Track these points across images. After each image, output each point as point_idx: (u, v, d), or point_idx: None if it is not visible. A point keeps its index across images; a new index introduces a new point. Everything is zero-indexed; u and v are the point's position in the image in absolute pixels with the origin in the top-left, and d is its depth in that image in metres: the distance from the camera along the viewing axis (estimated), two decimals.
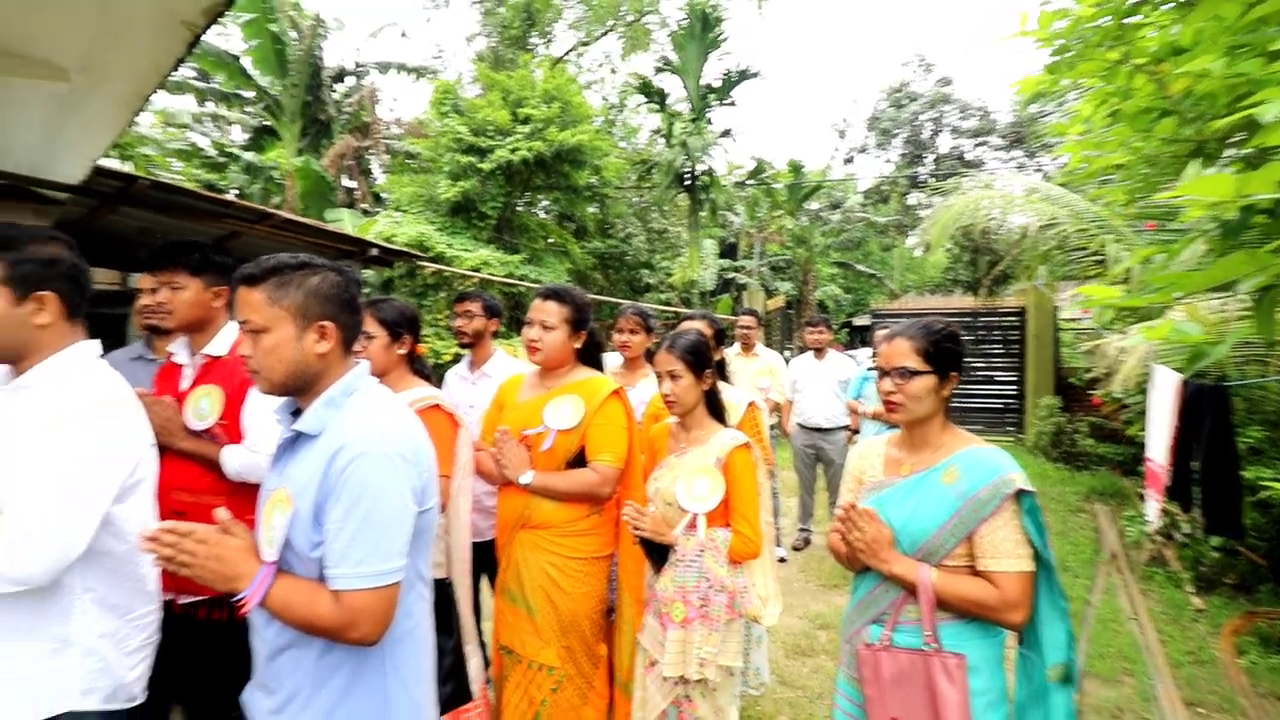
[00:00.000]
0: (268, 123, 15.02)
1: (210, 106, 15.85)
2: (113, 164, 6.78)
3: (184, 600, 1.85)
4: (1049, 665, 1.47)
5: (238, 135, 16.89)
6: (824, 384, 5.11)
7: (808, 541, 5.36)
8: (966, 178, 7.91)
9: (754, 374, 4.81)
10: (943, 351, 1.55)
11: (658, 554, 2.02)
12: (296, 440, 1.24)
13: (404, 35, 28.01)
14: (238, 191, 14.30)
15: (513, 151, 12.00)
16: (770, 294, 16.82)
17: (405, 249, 9.48)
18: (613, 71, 22.71)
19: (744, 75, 15.75)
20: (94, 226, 6.36)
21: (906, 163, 24.16)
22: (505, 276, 11.10)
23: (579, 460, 2.03)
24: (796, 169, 18.86)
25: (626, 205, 18.78)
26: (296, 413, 1.32)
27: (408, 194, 13.48)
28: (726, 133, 15.98)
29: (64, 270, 1.32)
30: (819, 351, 5.23)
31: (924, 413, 1.56)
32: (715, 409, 2.10)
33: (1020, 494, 1.44)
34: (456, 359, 8.63)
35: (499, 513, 2.11)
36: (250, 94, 14.79)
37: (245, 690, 1.36)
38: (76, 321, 1.36)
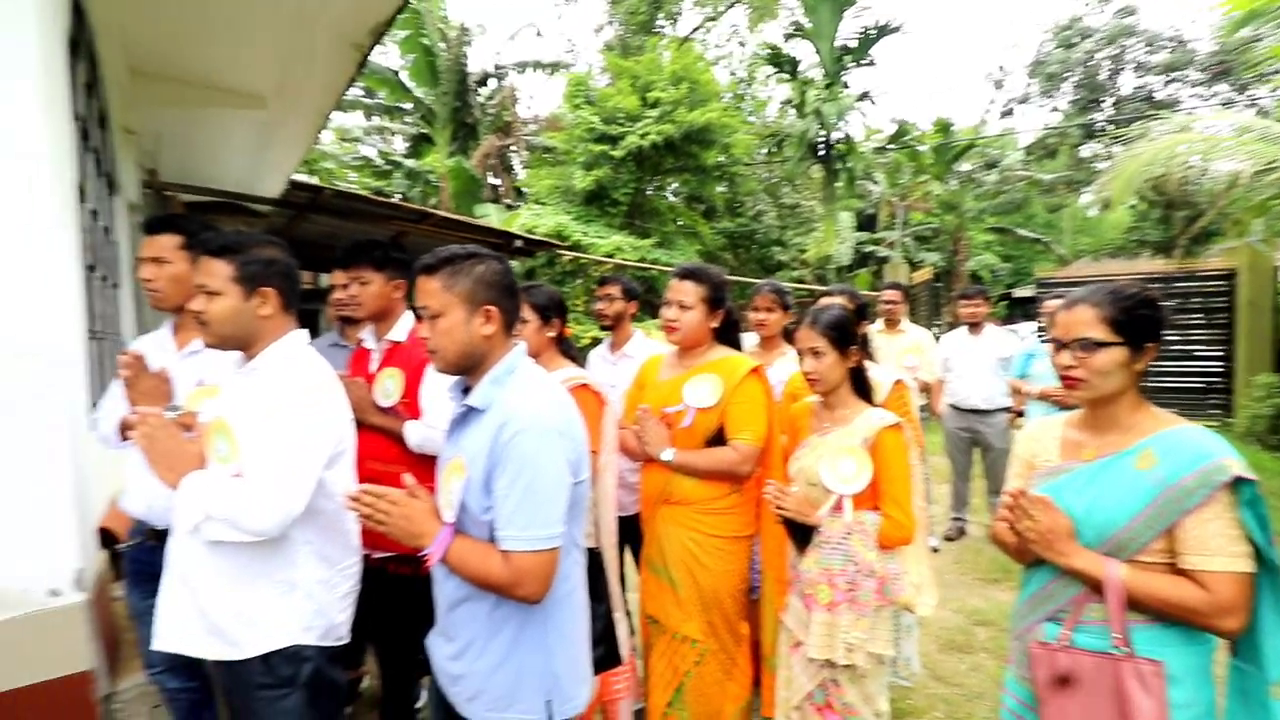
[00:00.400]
0: (424, 130, 16.41)
1: (375, 120, 17.63)
2: (301, 178, 7.80)
3: (377, 556, 2.12)
4: (1271, 682, 1.26)
5: (399, 145, 18.64)
6: (982, 362, 4.69)
7: (962, 531, 5.00)
8: (1157, 121, 6.79)
9: (900, 351, 4.53)
10: (1136, 320, 1.36)
11: (801, 534, 1.99)
12: (468, 414, 1.37)
13: (539, 34, 29.20)
14: (400, 195, 15.84)
15: (642, 136, 12.17)
16: (915, 266, 15.68)
17: (545, 239, 10.02)
18: (741, 44, 22.13)
19: (883, 31, 14.67)
20: (290, 233, 7.34)
21: (1078, 110, 21.25)
22: (637, 261, 11.34)
23: (719, 439, 2.05)
24: (945, 128, 17.31)
25: (757, 182, 18.33)
26: (466, 390, 1.46)
27: (545, 186, 14.16)
28: (864, 96, 15.01)
29: (281, 269, 1.55)
30: (975, 326, 4.80)
31: (1111, 390, 1.39)
32: (861, 387, 2.02)
33: (1238, 482, 1.25)
34: (594, 342, 8.99)
35: (642, 488, 2.19)
36: (408, 105, 16.24)
37: (428, 636, 1.55)
38: (290, 313, 1.60)
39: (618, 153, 12.39)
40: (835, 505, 1.91)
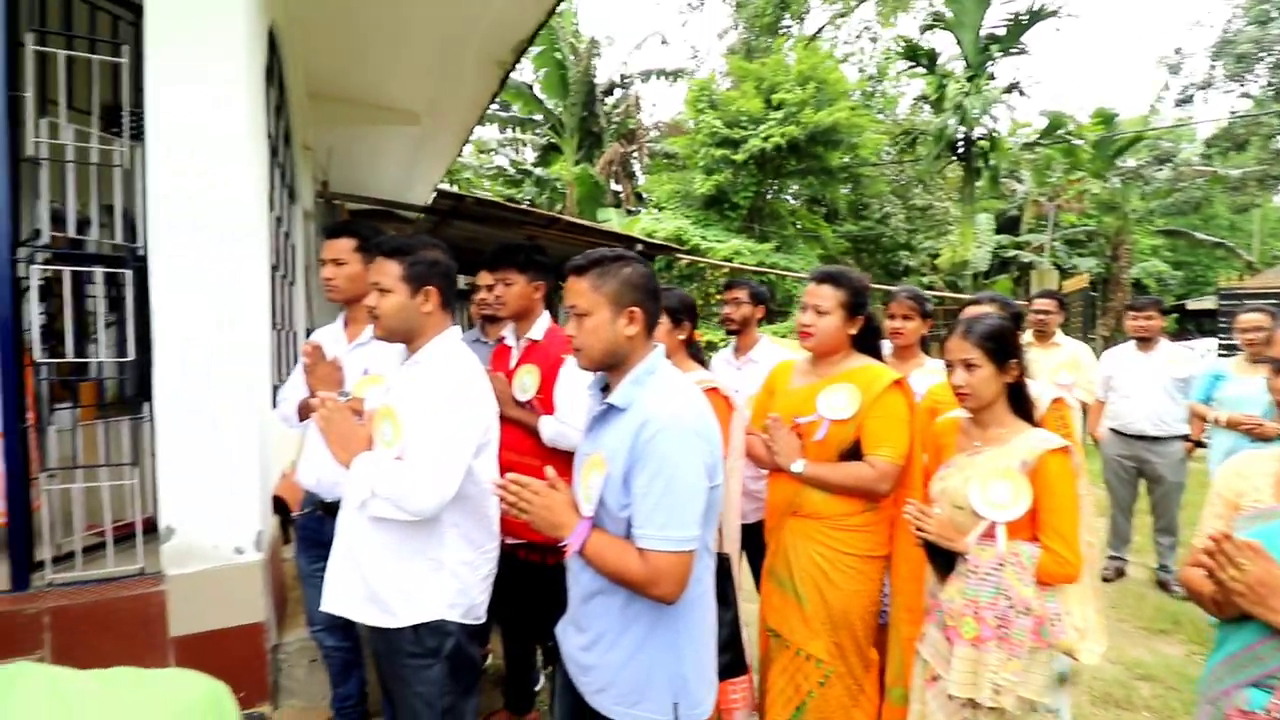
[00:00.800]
0: (553, 140, 17.20)
1: (508, 133, 18.72)
2: (443, 187, 8.43)
3: (509, 542, 2.22)
4: None
5: (528, 155, 19.65)
6: (1153, 382, 4.13)
7: (1121, 572, 4.43)
8: None
9: (1053, 367, 4.10)
10: None
11: (943, 560, 1.85)
12: (607, 412, 1.40)
13: (664, 42, 29.75)
14: (529, 201, 16.68)
15: (765, 139, 11.99)
16: (1065, 273, 14.21)
17: (665, 243, 10.15)
18: (872, 40, 21.16)
19: (1037, 16, 13.44)
20: (436, 237, 7.86)
21: (1275, 95, 18.26)
22: (756, 265, 11.16)
23: (853, 453, 1.96)
24: (1107, 119, 15.55)
25: (885, 183, 17.43)
26: (605, 388, 1.50)
27: (666, 191, 14.32)
28: (1012, 87, 13.86)
29: (442, 269, 1.68)
30: (1146, 342, 4.23)
31: None
32: (1021, 405, 1.84)
33: None
34: (708, 346, 8.94)
35: (768, 498, 2.14)
36: (538, 117, 17.09)
37: (559, 625, 1.60)
38: (448, 311, 1.72)
39: (739, 156, 12.29)
40: (986, 532, 1.75)
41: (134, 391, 2.33)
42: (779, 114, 12.24)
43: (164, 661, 2.21)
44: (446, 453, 1.51)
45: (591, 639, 1.41)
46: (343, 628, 2.23)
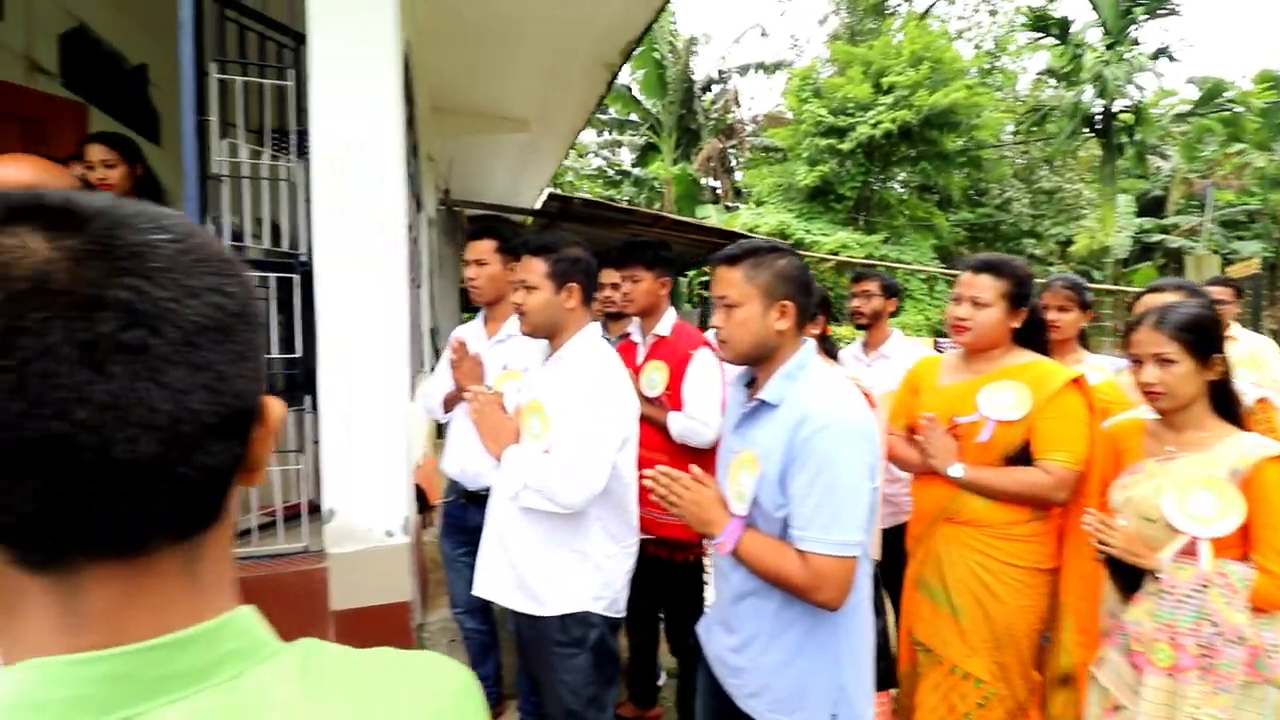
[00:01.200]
0: (651, 140, 17.32)
1: (605, 135, 19.05)
2: (549, 190, 8.70)
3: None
4: None
5: (624, 156, 19.91)
6: None
7: None
8: None
9: (1231, 364, 3.60)
10: None
11: (1128, 578, 1.66)
12: (758, 408, 1.36)
13: (764, 34, 29.23)
14: (627, 201, 16.90)
15: (874, 126, 11.44)
16: (1227, 259, 12.55)
17: (768, 238, 9.94)
18: (992, 13, 19.65)
19: None
20: None
21: None
22: (864, 258, 10.67)
23: (1019, 456, 1.79)
24: (1276, 83, 13.57)
25: (1008, 165, 16.14)
26: (749, 384, 1.45)
27: (767, 185, 14.03)
28: (1160, 53, 12.38)
29: (584, 266, 1.70)
30: None
31: None
32: (1226, 407, 1.61)
33: None
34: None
35: (916, 502, 2.00)
36: (635, 117, 17.26)
37: (702, 624, 1.57)
38: (588, 308, 1.74)
39: (845, 145, 11.81)
40: (1184, 549, 1.55)
41: (299, 385, 2.54)
42: (889, 98, 11.63)
43: (325, 633, 2.40)
44: (594, 448, 1.53)
45: (742, 640, 1.38)
46: (482, 611, 2.33)
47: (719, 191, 17.60)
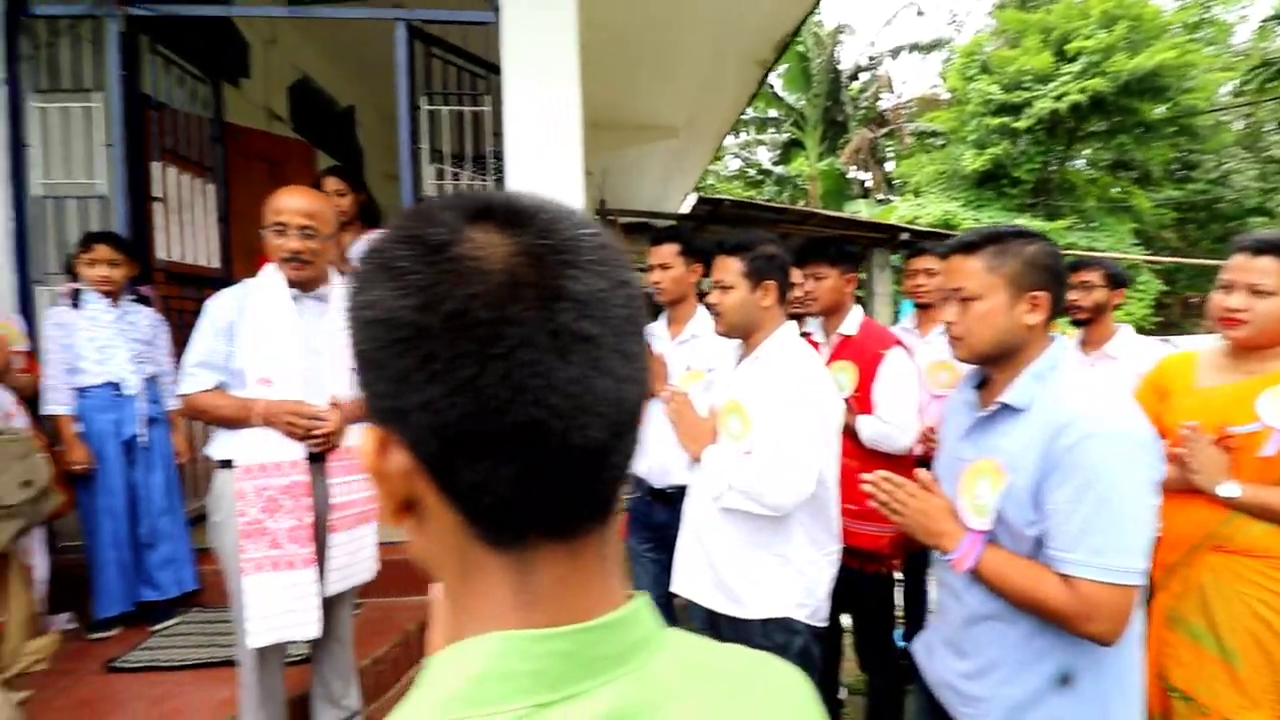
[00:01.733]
0: (794, 136, 16.84)
1: (744, 135, 18.80)
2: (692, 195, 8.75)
3: None
4: None
5: (762, 155, 19.52)
6: None
7: None
8: None
9: None
10: None
11: None
12: (999, 413, 1.23)
13: (920, 13, 26.97)
14: (768, 201, 16.56)
15: (1058, 99, 10.19)
16: None
17: (933, 229, 9.22)
18: None
19: None
20: None
21: None
22: None
23: None
24: None
25: (1227, 131, 13.65)
26: (979, 385, 1.32)
27: (927, 174, 13.06)
28: None
29: (779, 264, 1.66)
30: None
31: None
32: None
33: None
34: None
35: (1168, 525, 1.71)
36: (778, 113, 16.86)
37: (920, 643, 1.45)
38: (783, 306, 1.69)
39: (1022, 123, 10.64)
40: None
41: None
42: (1075, 66, 10.28)
43: None
44: (802, 449, 1.48)
45: (978, 667, 1.25)
46: (664, 605, 2.36)
47: (868, 185, 16.66)
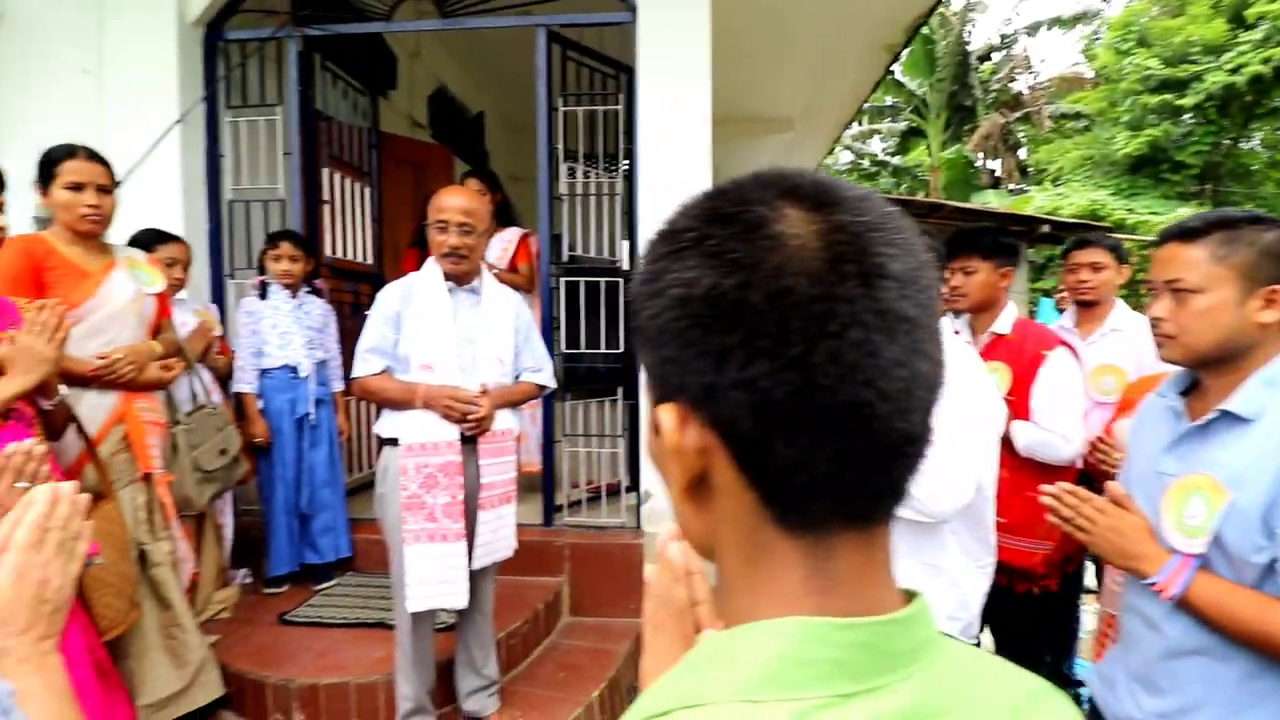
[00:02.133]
0: (914, 125, 15.90)
1: (857, 126, 17.98)
2: None
3: None
4: None
5: (875, 145, 18.56)
6: None
7: None
8: None
9: None
10: None
11: None
12: (1215, 422, 1.10)
13: None
14: (887, 194, 15.76)
15: (1233, 71, 8.94)
16: None
17: (1077, 220, 8.40)
18: None
19: None
20: None
21: None
22: None
23: None
24: None
25: None
26: (1187, 390, 1.19)
27: (1071, 160, 11.92)
28: None
29: (937, 253, 1.58)
30: None
31: None
32: None
33: None
34: None
35: None
36: (896, 101, 15.99)
37: (1098, 675, 1.32)
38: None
39: (1187, 100, 9.43)
40: None
41: (619, 378, 2.83)
42: (1256, 34, 8.96)
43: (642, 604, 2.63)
44: (963, 452, 1.40)
45: (1178, 706, 1.12)
46: None
47: (998, 174, 15.42)
